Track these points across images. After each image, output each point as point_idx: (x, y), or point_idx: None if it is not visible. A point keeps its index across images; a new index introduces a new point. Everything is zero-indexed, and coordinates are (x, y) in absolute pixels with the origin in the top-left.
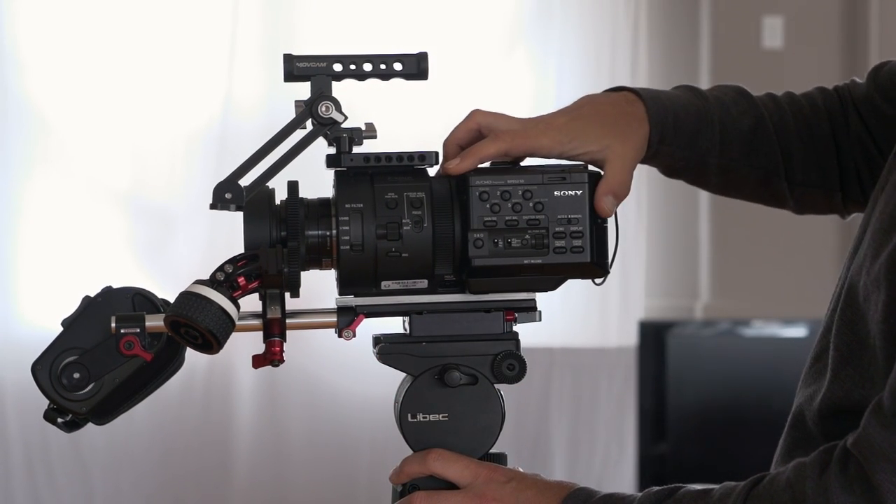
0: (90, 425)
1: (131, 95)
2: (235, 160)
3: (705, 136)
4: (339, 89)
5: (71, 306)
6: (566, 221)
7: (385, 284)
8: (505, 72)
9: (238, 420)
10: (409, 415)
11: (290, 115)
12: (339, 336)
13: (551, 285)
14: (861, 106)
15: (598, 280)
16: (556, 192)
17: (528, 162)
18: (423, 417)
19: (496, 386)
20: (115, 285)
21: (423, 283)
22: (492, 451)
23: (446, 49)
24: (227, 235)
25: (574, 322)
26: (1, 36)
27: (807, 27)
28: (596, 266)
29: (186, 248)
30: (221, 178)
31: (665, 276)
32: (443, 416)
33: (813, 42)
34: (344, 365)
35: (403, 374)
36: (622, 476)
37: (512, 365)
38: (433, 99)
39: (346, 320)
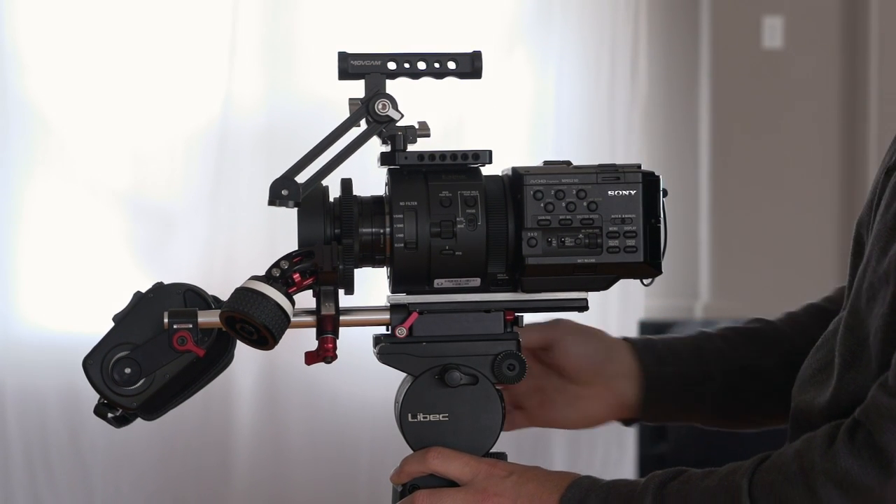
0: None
1: (131, 96)
2: (235, 160)
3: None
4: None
5: (71, 307)
6: (620, 221)
7: (438, 282)
8: (505, 72)
9: (238, 420)
10: (410, 415)
11: (289, 114)
12: (392, 333)
13: (604, 285)
14: None
15: (646, 281)
16: (609, 192)
17: None
18: (424, 417)
19: (496, 386)
20: (166, 281)
21: (476, 282)
22: (492, 451)
23: (446, 49)
24: (227, 235)
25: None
26: (1, 36)
27: (807, 27)
28: (649, 266)
29: (186, 248)
30: (222, 179)
31: (665, 276)
32: (443, 416)
33: (813, 42)
34: (344, 365)
35: (404, 375)
36: (622, 476)
37: (512, 365)
38: (433, 99)
39: (399, 317)
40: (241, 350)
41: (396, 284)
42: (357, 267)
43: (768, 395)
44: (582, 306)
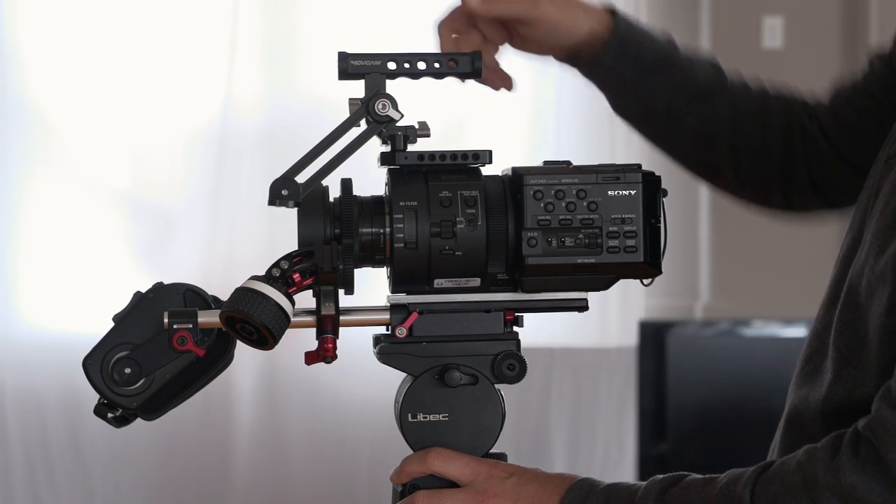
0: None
1: (131, 95)
2: (235, 160)
3: (662, 75)
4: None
5: (71, 307)
6: (620, 221)
7: (438, 282)
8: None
9: (238, 420)
10: (410, 415)
11: (289, 114)
12: (392, 333)
13: (604, 285)
14: (823, 117)
15: (646, 281)
16: (609, 192)
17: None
18: (424, 417)
19: (496, 386)
20: (166, 281)
21: (476, 282)
22: (492, 451)
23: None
24: (227, 235)
25: (574, 322)
26: (1, 36)
27: (807, 27)
28: (649, 266)
29: (186, 248)
30: (222, 179)
31: (665, 276)
32: (443, 416)
33: (813, 42)
34: (344, 365)
35: (403, 374)
36: (622, 476)
37: (512, 365)
38: (433, 99)
39: (398, 318)
40: (241, 350)
41: (396, 284)
42: (357, 267)
43: (703, 124)
44: (582, 306)
